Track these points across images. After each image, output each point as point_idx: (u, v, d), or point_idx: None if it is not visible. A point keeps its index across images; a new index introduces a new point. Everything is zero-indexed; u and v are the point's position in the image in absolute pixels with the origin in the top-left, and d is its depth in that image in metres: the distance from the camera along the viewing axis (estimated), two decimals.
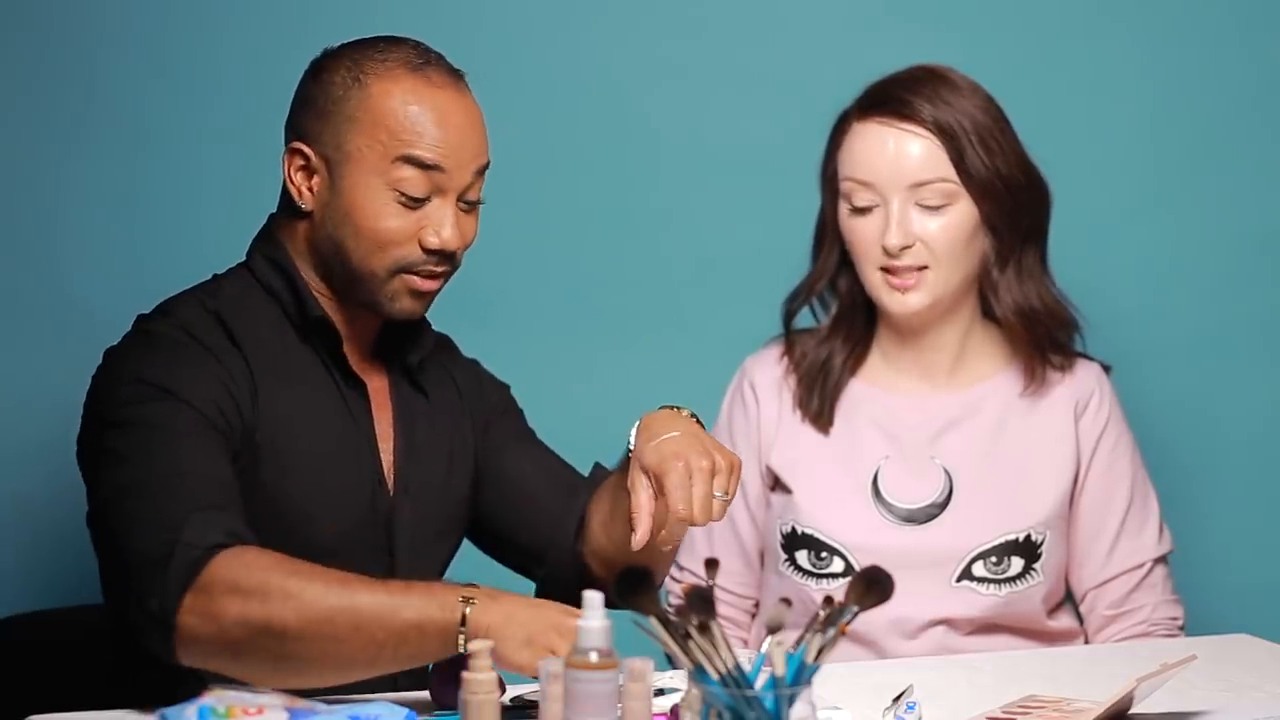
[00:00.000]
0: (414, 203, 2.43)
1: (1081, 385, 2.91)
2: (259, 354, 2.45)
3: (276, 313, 2.49)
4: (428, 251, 2.44)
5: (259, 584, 2.20)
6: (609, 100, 3.39)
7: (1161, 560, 2.90)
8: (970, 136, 2.80)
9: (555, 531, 2.62)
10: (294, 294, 2.48)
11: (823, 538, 2.85)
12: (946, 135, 2.79)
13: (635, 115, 3.39)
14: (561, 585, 2.57)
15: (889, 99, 2.83)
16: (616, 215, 3.41)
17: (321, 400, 2.47)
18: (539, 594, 2.63)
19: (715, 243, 3.41)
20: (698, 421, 2.45)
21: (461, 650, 2.18)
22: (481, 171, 2.48)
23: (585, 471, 2.70)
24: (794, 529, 2.86)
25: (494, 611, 2.18)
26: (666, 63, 3.40)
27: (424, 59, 2.47)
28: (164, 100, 3.26)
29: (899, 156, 2.79)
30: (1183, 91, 3.49)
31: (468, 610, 2.18)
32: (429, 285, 2.47)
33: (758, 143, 3.39)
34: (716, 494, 2.32)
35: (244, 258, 2.56)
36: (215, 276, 2.54)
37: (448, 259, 2.46)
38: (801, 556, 2.86)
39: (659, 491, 2.32)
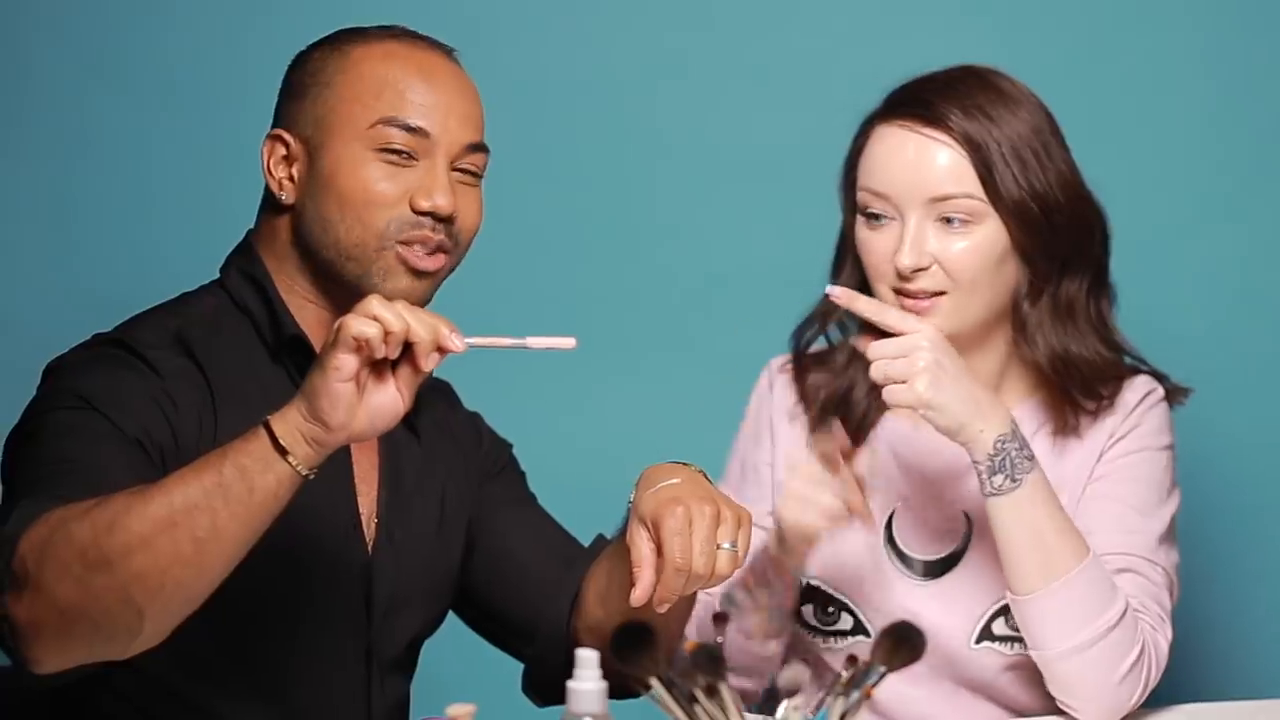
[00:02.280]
0: (401, 160, 2.36)
1: (1115, 415, 2.76)
2: (223, 376, 2.37)
3: (248, 331, 2.42)
4: (420, 214, 2.36)
5: (65, 535, 2.07)
6: (608, 99, 3.35)
7: (1154, 565, 2.69)
8: (1003, 149, 2.65)
9: (548, 607, 2.53)
10: (268, 310, 2.41)
11: (829, 590, 2.72)
12: (973, 146, 2.64)
13: (636, 115, 3.35)
14: (552, 666, 2.48)
15: (916, 101, 2.69)
16: (616, 226, 3.37)
17: None
18: (527, 675, 2.59)
19: (725, 256, 3.36)
20: (705, 477, 2.38)
21: (298, 469, 2.08)
22: (475, 148, 2.41)
23: (587, 535, 2.62)
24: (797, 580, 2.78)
25: (290, 410, 2.08)
26: (670, 58, 3.35)
27: (411, 34, 2.44)
28: (105, 101, 3.25)
29: (920, 166, 2.63)
30: (1249, 88, 3.37)
31: (272, 425, 2.09)
32: (427, 262, 2.36)
33: (771, 145, 3.34)
34: (724, 545, 2.25)
35: (195, 270, 2.48)
36: (185, 294, 2.47)
37: (444, 226, 2.37)
38: (807, 611, 2.73)
39: (658, 543, 2.26)
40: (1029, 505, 2.53)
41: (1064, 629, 2.52)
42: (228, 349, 2.38)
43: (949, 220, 2.62)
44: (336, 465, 2.35)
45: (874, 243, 2.65)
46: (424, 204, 2.34)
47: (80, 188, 3.22)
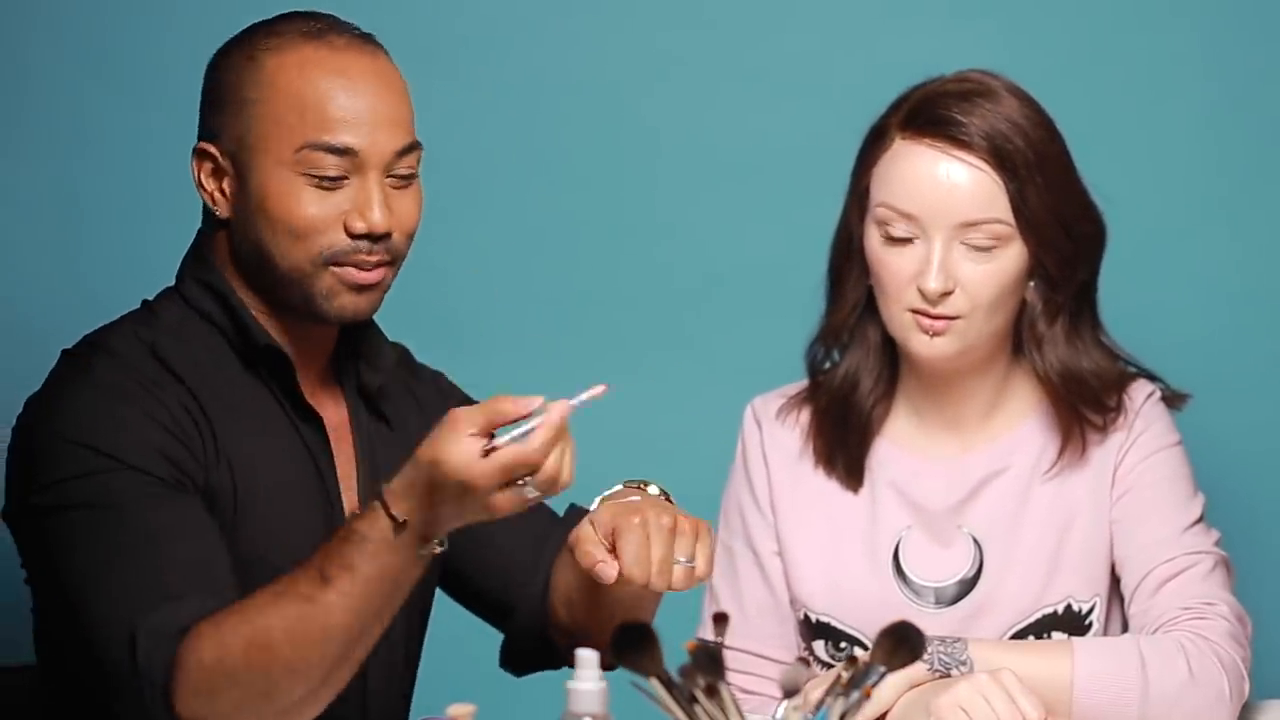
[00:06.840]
0: (331, 183, 2.32)
1: (1119, 430, 2.72)
2: (206, 390, 2.34)
3: (218, 342, 2.39)
4: (355, 237, 2.32)
5: (230, 679, 2.13)
6: (604, 99, 3.32)
7: (1199, 555, 2.67)
8: (1034, 170, 2.62)
9: (524, 583, 2.53)
10: (233, 320, 2.39)
11: (839, 626, 2.69)
12: (1007, 169, 2.60)
13: (633, 115, 3.33)
14: (529, 639, 2.50)
15: (940, 119, 2.64)
16: (611, 226, 3.33)
17: (275, 439, 2.37)
18: (505, 647, 2.58)
19: (723, 256, 3.33)
20: (668, 498, 2.36)
21: (440, 547, 2.14)
22: (407, 150, 2.36)
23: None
24: (806, 617, 2.71)
25: (419, 506, 2.11)
26: (667, 57, 3.33)
27: (322, 24, 2.37)
28: (105, 101, 3.24)
29: (951, 190, 2.59)
30: (1248, 91, 3.34)
31: (406, 522, 2.12)
32: (368, 277, 2.34)
33: (768, 145, 3.31)
34: (680, 560, 2.23)
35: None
36: (146, 303, 2.44)
37: (381, 243, 2.34)
38: (819, 647, 2.72)
39: (613, 551, 2.24)
40: (997, 663, 2.47)
41: (1114, 692, 2.49)
42: (203, 362, 2.37)
43: (976, 243, 2.59)
44: (320, 466, 2.40)
45: (895, 262, 2.62)
46: (359, 226, 2.30)
47: (80, 188, 3.21)
